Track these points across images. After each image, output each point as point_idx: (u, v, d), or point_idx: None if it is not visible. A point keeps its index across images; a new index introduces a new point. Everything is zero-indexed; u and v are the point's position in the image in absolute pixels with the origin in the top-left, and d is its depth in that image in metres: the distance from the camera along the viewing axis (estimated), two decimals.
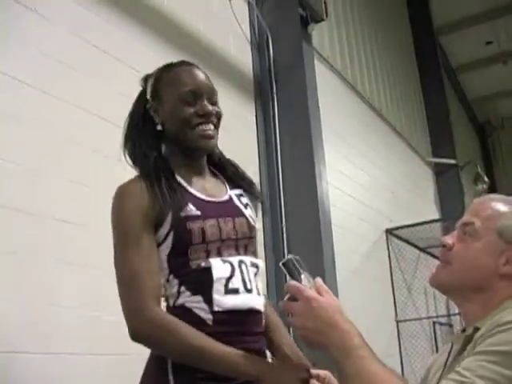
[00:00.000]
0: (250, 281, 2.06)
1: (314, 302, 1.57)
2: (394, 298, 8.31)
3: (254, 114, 5.85)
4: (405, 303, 8.58)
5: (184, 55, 4.86)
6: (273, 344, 2.21)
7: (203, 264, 1.98)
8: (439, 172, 11.55)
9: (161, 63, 2.30)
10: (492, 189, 15.46)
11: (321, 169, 5.74)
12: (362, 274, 7.19)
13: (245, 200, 2.23)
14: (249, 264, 2.08)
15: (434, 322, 9.62)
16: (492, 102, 15.91)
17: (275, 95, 5.89)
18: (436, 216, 10.50)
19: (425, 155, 11.22)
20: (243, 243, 2.11)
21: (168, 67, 2.24)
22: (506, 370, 1.44)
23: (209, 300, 1.96)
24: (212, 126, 2.13)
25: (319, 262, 5.34)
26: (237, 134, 5.46)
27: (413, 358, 8.44)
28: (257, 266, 2.13)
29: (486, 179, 11.27)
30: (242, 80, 5.78)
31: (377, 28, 9.85)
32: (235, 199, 2.20)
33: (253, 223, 2.19)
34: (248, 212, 2.20)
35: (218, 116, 2.18)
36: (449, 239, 1.86)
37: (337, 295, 5.46)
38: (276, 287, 5.37)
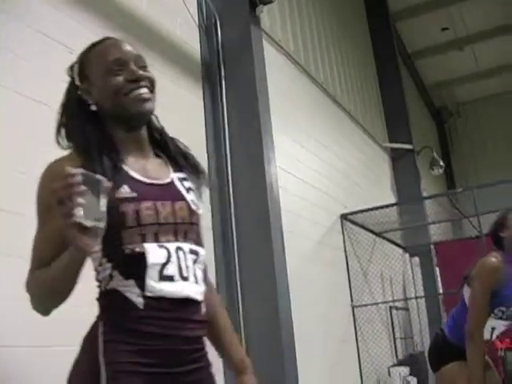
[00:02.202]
0: (187, 268, 1.96)
1: None
2: (350, 284, 8.28)
3: (202, 98, 5.74)
4: (361, 288, 8.57)
5: (129, 38, 4.76)
6: (219, 343, 2.23)
7: (137, 249, 1.87)
8: (395, 157, 11.59)
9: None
10: (449, 175, 15.61)
11: (269, 153, 5.66)
12: (316, 260, 7.14)
13: (188, 184, 2.12)
14: (187, 251, 1.97)
15: (390, 307, 9.64)
16: (449, 88, 16.01)
17: (223, 79, 5.78)
18: (392, 201, 10.51)
19: (381, 140, 11.24)
20: (183, 229, 1.99)
21: (90, 47, 2.14)
22: None
23: (141, 285, 1.87)
24: (146, 90, 2.04)
25: (268, 246, 5.27)
26: (184, 119, 5.35)
27: (369, 343, 8.45)
28: (196, 254, 2.03)
29: (441, 164, 11.34)
30: (190, 63, 5.66)
31: (332, 12, 9.80)
32: (177, 182, 2.09)
33: (194, 208, 2.07)
34: (190, 197, 2.07)
35: (151, 80, 2.08)
36: None
37: (286, 280, 5.44)
38: (226, 274, 5.31)
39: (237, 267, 5.30)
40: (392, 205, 9.15)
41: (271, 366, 5.10)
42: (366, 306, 8.45)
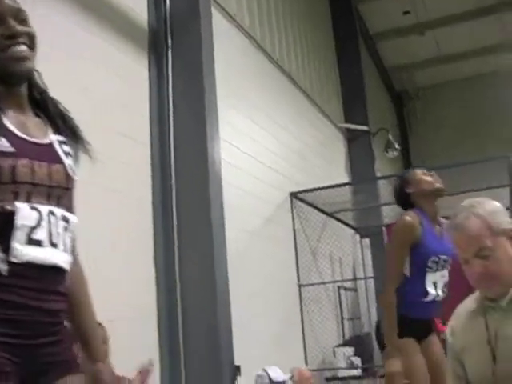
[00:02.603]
0: (57, 235, 1.86)
1: None
2: (297, 262, 8.25)
3: (147, 66, 5.60)
4: (308, 268, 8.54)
5: (70, 3, 4.61)
6: (77, 323, 2.11)
7: (8, 207, 1.76)
8: (351, 138, 11.56)
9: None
10: (406, 157, 15.66)
11: (213, 126, 5.56)
12: (262, 237, 7.07)
13: (67, 148, 2.01)
14: (59, 217, 1.87)
15: (338, 287, 9.64)
16: (409, 72, 16.00)
17: (170, 48, 5.66)
18: (346, 181, 10.45)
19: (337, 121, 11.19)
20: (57, 193, 1.89)
21: None
22: None
23: (6, 248, 1.75)
24: (24, 47, 1.90)
25: (207, 220, 5.19)
26: (128, 88, 5.24)
27: (315, 323, 8.44)
28: (68, 221, 1.92)
29: (396, 146, 11.34)
30: (136, 31, 5.52)
31: None
32: (57, 145, 1.98)
33: (71, 174, 1.96)
34: (68, 161, 1.97)
35: (31, 36, 1.94)
36: (478, 270, 2.16)
37: (225, 254, 5.37)
38: (164, 246, 5.22)
39: (175, 239, 5.21)
40: (343, 184, 9.08)
41: (205, 342, 5.05)
42: (312, 285, 8.43)
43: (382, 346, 4.17)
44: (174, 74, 5.62)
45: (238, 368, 5.23)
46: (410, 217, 4.04)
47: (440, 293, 4.05)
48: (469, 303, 2.36)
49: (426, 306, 4.02)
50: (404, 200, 4.23)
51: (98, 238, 4.33)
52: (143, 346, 4.85)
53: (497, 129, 14.68)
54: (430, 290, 4.00)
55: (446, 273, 4.11)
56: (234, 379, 5.17)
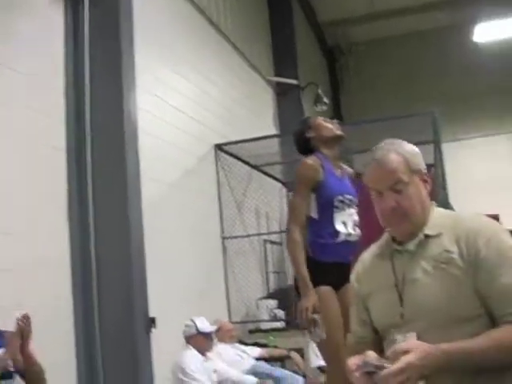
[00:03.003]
0: None
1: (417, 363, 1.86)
2: (221, 215, 8.19)
3: (64, 12, 5.39)
4: (233, 221, 8.50)
5: None
6: None
7: None
8: (280, 92, 11.46)
9: None
10: (337, 112, 15.68)
11: (129, 75, 5.41)
12: (183, 189, 6.97)
13: None
14: None
15: (264, 241, 9.65)
16: (343, 27, 15.89)
17: None
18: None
19: (266, 74, 11.06)
20: None
21: None
22: None
23: None
24: None
25: (121, 169, 5.08)
26: (42, 36, 5.04)
27: (240, 276, 8.44)
28: None
29: (325, 101, 11.28)
30: None
31: None
32: None
33: None
34: None
35: None
36: (389, 203, 2.18)
37: (140, 205, 5.28)
38: (78, 198, 5.10)
39: (90, 189, 5.08)
40: (270, 136, 8.96)
41: (119, 294, 4.99)
42: (236, 237, 8.40)
43: (299, 292, 4.16)
44: (91, 19, 5.41)
45: (152, 320, 5.19)
46: (310, 160, 4.08)
47: (351, 231, 4.06)
48: (374, 248, 2.37)
49: (338, 248, 4.01)
50: (304, 145, 4.26)
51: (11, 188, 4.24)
52: (56, 297, 4.76)
53: (428, 86, 14.81)
54: (340, 228, 4.01)
55: (353, 211, 4.14)
56: (148, 331, 5.12)
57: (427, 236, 2.16)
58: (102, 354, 4.88)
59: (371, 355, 1.98)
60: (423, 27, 15.33)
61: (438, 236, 2.15)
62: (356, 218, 4.15)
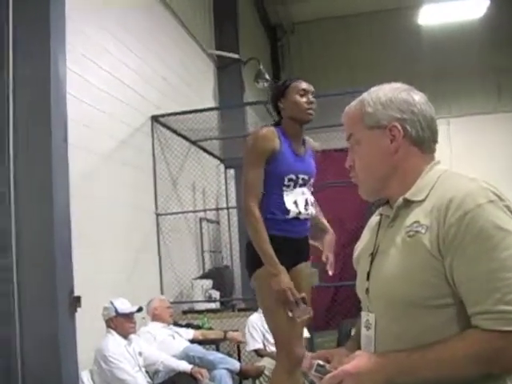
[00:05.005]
0: None
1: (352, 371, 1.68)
2: (156, 190, 7.79)
3: None
4: (168, 197, 8.12)
5: None
6: None
7: None
8: (221, 66, 11.10)
9: None
10: None
11: (58, 37, 4.93)
12: (115, 160, 6.55)
13: None
14: None
15: (200, 219, 9.32)
16: (285, 6, 15.65)
17: None
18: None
19: (207, 47, 10.68)
20: None
21: None
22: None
23: None
24: None
25: (45, 135, 4.64)
26: None
27: (174, 255, 8.09)
28: None
29: (267, 77, 10.95)
30: None
31: None
32: None
33: None
34: None
35: None
36: (347, 162, 1.94)
37: (66, 176, 4.86)
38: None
39: (11, 155, 4.63)
40: (208, 109, 8.56)
41: (41, 271, 4.59)
42: (171, 214, 8.04)
43: (251, 269, 3.88)
44: None
45: (78, 299, 4.79)
46: (266, 129, 3.86)
47: (303, 210, 3.86)
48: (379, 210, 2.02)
49: (289, 223, 3.82)
50: (276, 108, 4.03)
51: None
52: None
53: (369, 68, 14.65)
54: (290, 207, 3.81)
55: (306, 190, 3.93)
56: (73, 310, 4.73)
57: (407, 201, 1.80)
58: (21, 336, 4.48)
59: (321, 356, 1.86)
60: (368, 9, 15.16)
61: (421, 202, 1.77)
62: (309, 197, 3.94)
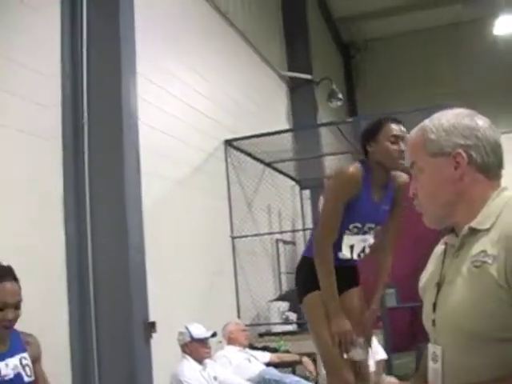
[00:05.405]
0: None
1: None
2: (231, 214, 7.86)
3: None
4: (243, 219, 8.17)
5: None
6: None
7: None
8: (294, 87, 11.14)
9: None
10: (352, 109, 15.36)
11: (130, 63, 5.08)
12: (189, 186, 6.65)
13: None
14: None
15: (277, 240, 9.33)
16: (357, 23, 15.59)
17: None
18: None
19: (279, 68, 10.73)
20: None
21: None
22: None
23: None
24: None
25: (119, 164, 4.75)
26: (39, 20, 4.75)
27: (250, 277, 8.12)
28: None
29: (340, 96, 10.95)
30: None
31: None
32: None
33: None
34: None
35: None
36: (411, 190, 1.91)
37: (140, 202, 4.96)
38: (73, 193, 4.79)
39: (87, 184, 4.75)
40: (282, 131, 8.55)
41: (116, 298, 4.68)
42: (246, 237, 8.07)
43: (300, 299, 3.90)
44: (89, 8, 5.09)
45: (152, 325, 4.87)
46: (353, 168, 3.69)
47: (355, 257, 3.84)
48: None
49: (338, 259, 3.76)
50: (364, 148, 3.81)
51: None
52: (53, 302, 4.46)
53: (446, 83, 14.42)
54: (345, 251, 3.78)
55: (369, 237, 3.85)
56: (148, 336, 4.80)
57: (473, 229, 1.73)
58: (99, 365, 4.57)
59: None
60: (441, 22, 14.95)
61: (487, 231, 1.69)
62: (370, 242, 3.87)
